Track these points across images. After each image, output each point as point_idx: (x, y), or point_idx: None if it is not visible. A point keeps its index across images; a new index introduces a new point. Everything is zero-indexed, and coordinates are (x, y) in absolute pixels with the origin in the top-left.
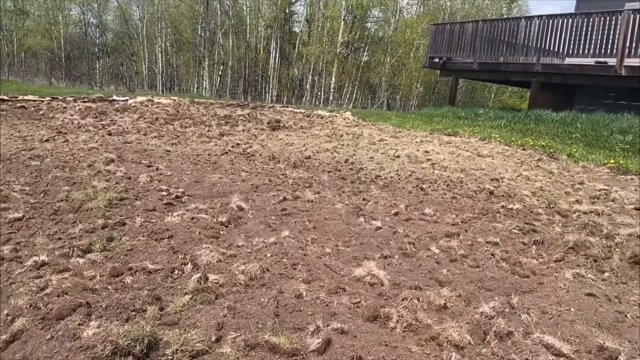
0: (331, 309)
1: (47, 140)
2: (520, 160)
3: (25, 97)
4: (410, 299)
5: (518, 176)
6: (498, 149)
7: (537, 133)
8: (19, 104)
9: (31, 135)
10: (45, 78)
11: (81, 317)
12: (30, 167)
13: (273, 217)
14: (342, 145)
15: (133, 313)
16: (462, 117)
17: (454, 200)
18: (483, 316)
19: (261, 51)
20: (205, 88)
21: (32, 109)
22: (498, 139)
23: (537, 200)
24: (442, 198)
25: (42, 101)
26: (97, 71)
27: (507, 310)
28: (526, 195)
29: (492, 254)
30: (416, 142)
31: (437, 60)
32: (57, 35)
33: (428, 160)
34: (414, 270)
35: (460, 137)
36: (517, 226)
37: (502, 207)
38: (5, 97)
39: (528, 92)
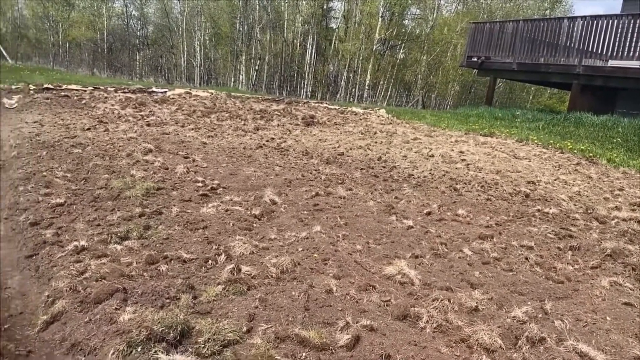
0: (361, 305)
1: (88, 129)
2: (558, 164)
3: (69, 87)
4: (441, 300)
5: (555, 180)
6: (535, 151)
7: (576, 136)
8: (62, 93)
9: (74, 124)
10: (87, 68)
11: (118, 302)
12: (72, 154)
13: (305, 212)
14: (376, 142)
15: (167, 300)
16: (499, 118)
17: (489, 202)
18: (515, 320)
19: (297, 47)
20: (242, 82)
21: (75, 98)
22: (536, 141)
23: (575, 205)
24: (476, 199)
25: (85, 91)
26: (137, 63)
27: (540, 315)
28: (563, 200)
29: (526, 258)
30: (451, 141)
31: (475, 59)
32: (100, 27)
33: (463, 160)
34: (446, 271)
35: (497, 138)
36: (552, 231)
37: (538, 210)
38: (50, 86)
39: (568, 94)
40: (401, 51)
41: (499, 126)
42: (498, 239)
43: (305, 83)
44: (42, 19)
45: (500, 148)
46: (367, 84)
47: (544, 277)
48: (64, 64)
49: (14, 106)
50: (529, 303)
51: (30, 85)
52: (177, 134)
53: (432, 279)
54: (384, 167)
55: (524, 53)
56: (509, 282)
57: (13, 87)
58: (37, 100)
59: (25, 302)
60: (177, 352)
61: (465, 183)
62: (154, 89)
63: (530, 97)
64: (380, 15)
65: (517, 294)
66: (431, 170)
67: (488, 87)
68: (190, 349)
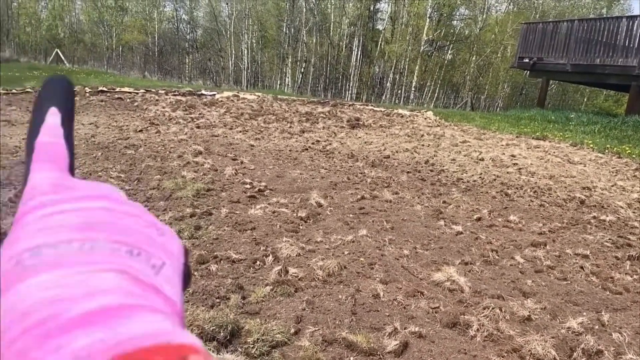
0: (409, 311)
1: (141, 131)
2: (615, 169)
3: (122, 89)
4: (492, 308)
5: (612, 186)
6: (591, 156)
7: (635, 141)
8: (116, 96)
9: (127, 126)
10: (139, 71)
11: None
12: (125, 155)
13: (351, 215)
14: (423, 145)
15: (217, 300)
16: (552, 121)
17: (542, 208)
18: (570, 331)
19: (343, 49)
20: (288, 85)
21: (128, 100)
22: (591, 145)
23: (633, 212)
24: (529, 205)
25: (137, 93)
26: (187, 66)
27: (596, 327)
28: (621, 207)
29: (581, 267)
30: (502, 145)
31: (527, 60)
32: (151, 30)
33: (514, 164)
34: (497, 278)
35: (550, 141)
36: (609, 239)
37: (594, 217)
38: (104, 89)
39: (625, 97)
40: (449, 52)
41: (552, 129)
42: (551, 246)
43: (351, 85)
44: (97, 24)
45: (554, 152)
46: (413, 86)
47: (600, 287)
48: (117, 67)
49: None
50: (585, 314)
51: (86, 88)
52: (226, 136)
53: (483, 287)
54: (431, 170)
55: (579, 54)
56: (563, 291)
57: None
58: (92, 103)
59: None
60: (227, 352)
61: (517, 188)
62: (203, 91)
63: (585, 99)
64: (428, 16)
65: (571, 304)
66: (481, 174)
67: (540, 88)
68: (239, 349)
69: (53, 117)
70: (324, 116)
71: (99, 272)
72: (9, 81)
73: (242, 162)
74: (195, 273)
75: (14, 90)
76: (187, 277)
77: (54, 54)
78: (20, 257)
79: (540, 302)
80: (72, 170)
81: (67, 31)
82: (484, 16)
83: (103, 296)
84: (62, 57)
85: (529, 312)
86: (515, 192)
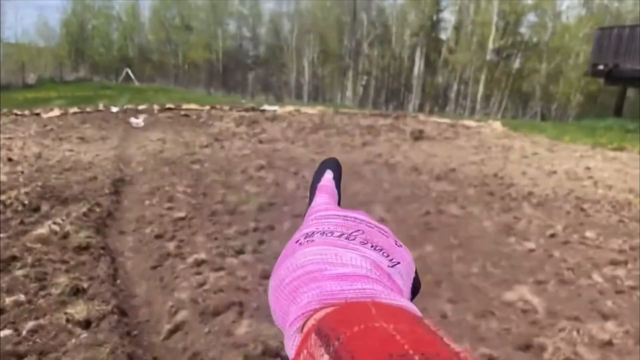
0: (479, 333)
1: (206, 146)
2: None
3: (188, 106)
4: (569, 331)
5: None
6: None
7: None
8: (182, 112)
9: (193, 141)
10: (204, 88)
11: (234, 314)
12: (191, 170)
13: (416, 231)
14: (490, 157)
15: None
16: (631, 131)
17: (621, 224)
18: None
19: (405, 60)
20: (349, 98)
21: (194, 116)
22: None
23: None
24: (607, 221)
25: (202, 110)
26: (249, 81)
27: None
28: None
29: None
30: (575, 156)
31: (601, 67)
32: (216, 48)
33: (589, 177)
34: (573, 299)
35: (629, 152)
36: None
37: None
38: (171, 106)
39: None
40: (517, 60)
41: (631, 140)
42: (633, 265)
43: (413, 96)
44: (164, 43)
45: (633, 164)
46: (479, 96)
47: None
48: (183, 84)
49: (140, 125)
50: None
51: (155, 105)
52: (287, 151)
53: (558, 307)
54: (500, 184)
55: None
56: None
57: (139, 107)
58: (160, 119)
59: (151, 310)
60: None
61: (593, 202)
62: (265, 107)
63: None
64: (493, 24)
65: None
66: (554, 187)
67: (617, 96)
68: None
69: (329, 173)
70: (386, 129)
71: (350, 252)
72: (83, 100)
73: (303, 177)
74: (259, 288)
75: (88, 109)
76: (416, 286)
77: (124, 73)
78: (299, 238)
79: (622, 325)
80: (339, 203)
81: (137, 51)
82: (554, 22)
83: (352, 267)
84: (132, 76)
85: (610, 335)
86: (591, 207)
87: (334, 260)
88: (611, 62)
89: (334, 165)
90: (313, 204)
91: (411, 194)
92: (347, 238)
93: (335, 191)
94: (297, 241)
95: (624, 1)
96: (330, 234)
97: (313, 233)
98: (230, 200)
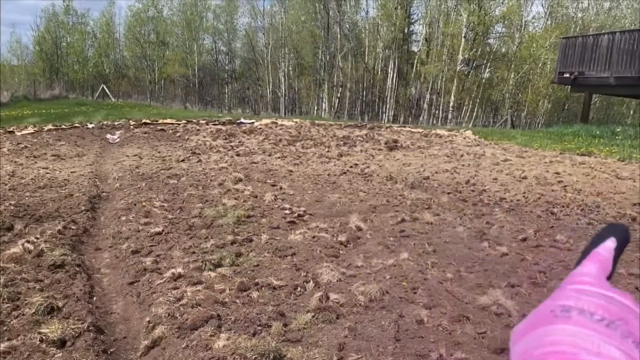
0: (454, 337)
1: (182, 160)
2: None
3: (165, 121)
4: None
5: None
6: None
7: None
8: (159, 127)
9: (169, 156)
10: (180, 102)
11: (212, 328)
12: (168, 185)
13: (391, 239)
14: (463, 165)
15: (259, 328)
16: (597, 136)
17: (590, 227)
18: None
19: (379, 72)
20: (324, 110)
21: (170, 131)
22: None
23: None
24: (576, 224)
25: (179, 124)
26: (226, 95)
27: None
28: None
29: (636, 288)
30: (545, 162)
31: (567, 75)
32: (192, 63)
33: (559, 182)
34: None
35: (596, 157)
36: None
37: None
38: (148, 121)
39: None
40: (486, 70)
41: (598, 144)
42: None
43: (387, 107)
44: (140, 59)
45: (600, 168)
46: (451, 105)
47: None
48: (160, 99)
49: (116, 141)
50: None
51: (131, 121)
52: (265, 163)
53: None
54: (472, 190)
55: (622, 66)
56: None
57: (116, 123)
58: (136, 135)
59: (128, 327)
60: None
61: (563, 206)
62: (242, 120)
63: (631, 112)
64: (463, 35)
65: None
66: (525, 193)
67: (583, 103)
68: None
69: (611, 242)
70: (362, 139)
71: (609, 344)
72: (58, 117)
73: (281, 188)
74: (237, 301)
75: (63, 126)
76: None
77: (100, 89)
78: (555, 309)
79: None
80: (609, 278)
81: (112, 67)
82: (521, 32)
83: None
84: (108, 92)
85: None
86: (561, 211)
87: (590, 347)
88: (576, 70)
89: (622, 234)
90: (579, 269)
91: (387, 203)
92: (607, 325)
93: (610, 265)
94: (552, 311)
95: (587, 11)
96: (590, 315)
97: (571, 308)
98: (207, 214)
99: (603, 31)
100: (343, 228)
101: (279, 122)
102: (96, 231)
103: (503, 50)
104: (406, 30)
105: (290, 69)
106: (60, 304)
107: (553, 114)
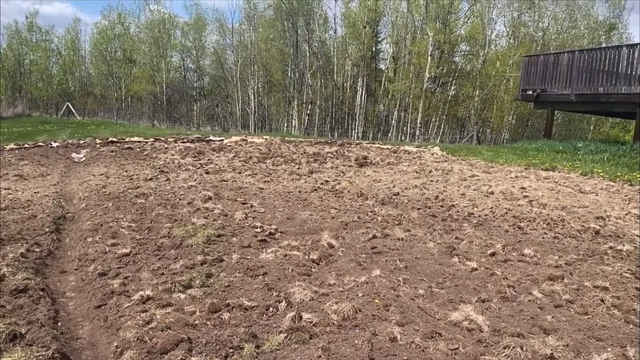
0: (427, 354)
1: (150, 179)
2: (628, 197)
3: (132, 139)
4: (513, 347)
5: (626, 214)
6: (602, 184)
7: None
8: (126, 145)
9: (137, 175)
10: (148, 120)
11: (183, 352)
12: (136, 204)
13: (363, 256)
14: (432, 181)
15: (231, 350)
16: (560, 151)
17: (556, 240)
18: None
19: (348, 89)
20: (294, 126)
21: (138, 149)
22: (601, 174)
23: None
24: (543, 238)
25: (147, 142)
26: (195, 113)
27: None
28: (637, 236)
29: (602, 300)
30: (511, 177)
31: (530, 92)
32: (159, 80)
33: (525, 197)
34: (515, 315)
35: (559, 172)
36: (628, 269)
37: (610, 248)
38: (114, 139)
39: (632, 123)
40: (452, 88)
41: (561, 160)
42: (569, 279)
43: (357, 124)
44: (106, 76)
45: (564, 183)
46: (418, 122)
47: (623, 320)
48: (127, 117)
49: (82, 160)
50: (609, 349)
51: (97, 139)
52: (235, 181)
53: (502, 325)
54: (441, 206)
55: (582, 84)
56: (584, 326)
57: (81, 141)
58: (103, 153)
59: (95, 352)
60: None
61: (529, 221)
62: (211, 137)
63: (592, 128)
64: (429, 54)
65: (594, 340)
66: (492, 208)
67: (546, 119)
68: None
69: None
70: (332, 156)
71: None
72: (21, 136)
73: (251, 206)
74: (208, 323)
75: (26, 145)
76: None
77: (65, 107)
78: None
79: (562, 338)
80: None
81: (78, 85)
82: (485, 51)
83: None
84: (73, 110)
85: (552, 350)
86: (528, 225)
87: None
88: (539, 87)
89: None
90: None
91: (358, 219)
92: None
93: None
94: None
95: (548, 30)
96: None
97: None
98: (176, 233)
99: (563, 50)
100: (315, 246)
101: (249, 139)
102: (61, 253)
103: (468, 68)
104: (374, 49)
105: (260, 86)
106: (23, 331)
107: (517, 130)
